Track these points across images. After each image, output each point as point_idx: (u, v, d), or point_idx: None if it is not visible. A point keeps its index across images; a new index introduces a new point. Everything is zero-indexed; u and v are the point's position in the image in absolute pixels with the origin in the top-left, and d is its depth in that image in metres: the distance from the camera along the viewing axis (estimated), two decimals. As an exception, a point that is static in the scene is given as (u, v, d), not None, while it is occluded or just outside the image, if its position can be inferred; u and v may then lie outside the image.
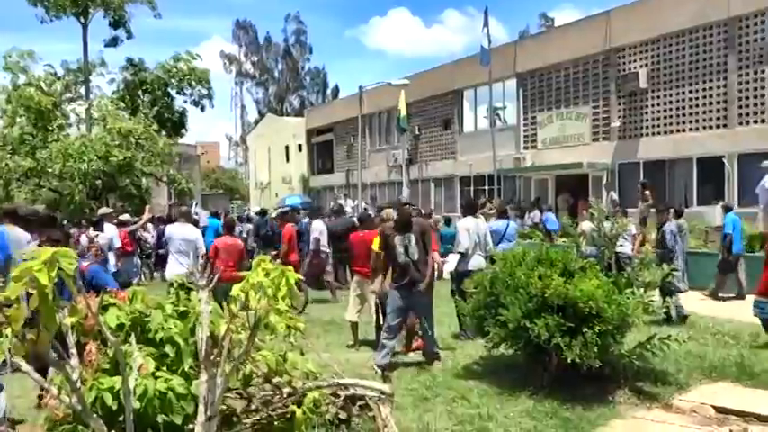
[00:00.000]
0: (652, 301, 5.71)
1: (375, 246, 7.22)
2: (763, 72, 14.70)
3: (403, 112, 23.92)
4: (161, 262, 13.13)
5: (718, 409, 5.09)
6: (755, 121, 14.92)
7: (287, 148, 40.58)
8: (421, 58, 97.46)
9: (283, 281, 3.45)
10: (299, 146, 38.68)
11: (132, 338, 3.77)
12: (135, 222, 12.86)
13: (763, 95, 14.73)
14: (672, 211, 10.14)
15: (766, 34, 14.62)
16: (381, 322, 7.57)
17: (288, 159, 40.60)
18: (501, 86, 21.93)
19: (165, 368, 3.83)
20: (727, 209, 11.32)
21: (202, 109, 22.69)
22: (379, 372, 6.29)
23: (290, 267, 3.60)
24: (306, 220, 14.78)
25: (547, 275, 5.61)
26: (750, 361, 6.26)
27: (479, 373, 6.31)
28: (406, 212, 7.17)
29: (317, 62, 79.17)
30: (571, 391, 5.47)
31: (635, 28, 17.45)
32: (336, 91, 63.95)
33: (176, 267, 8.55)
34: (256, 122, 55.97)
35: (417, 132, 26.57)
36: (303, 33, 64.47)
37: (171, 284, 6.12)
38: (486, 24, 19.89)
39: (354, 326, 8.06)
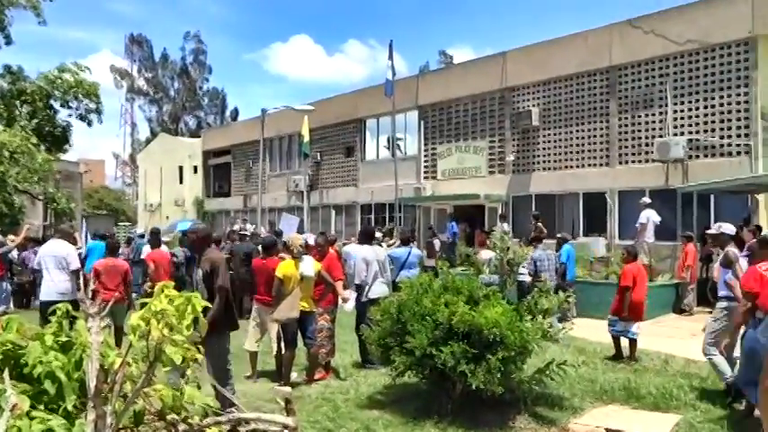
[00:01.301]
0: (550, 327, 5.92)
1: (279, 273, 7.12)
2: (639, 116, 15.97)
3: (306, 138, 23.79)
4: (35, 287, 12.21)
5: (610, 432, 5.33)
6: (633, 161, 16.14)
7: (181, 168, 39.05)
8: (323, 85, 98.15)
9: (188, 308, 3.17)
10: (195, 167, 37.37)
11: (5, 374, 3.38)
12: (5, 244, 11.87)
13: (639, 138, 15.97)
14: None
15: (642, 83, 15.95)
16: (283, 351, 7.40)
17: (181, 181, 39.05)
18: (403, 117, 22.39)
19: (42, 407, 3.45)
20: (564, 240, 12.09)
21: (89, 124, 21.37)
22: (282, 403, 6.07)
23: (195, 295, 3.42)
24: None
25: (453, 303, 5.69)
26: (636, 384, 6.64)
27: (384, 402, 6.27)
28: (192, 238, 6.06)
29: (216, 83, 77.56)
30: (474, 418, 5.54)
31: (528, 69, 18.44)
32: (236, 113, 62.81)
33: (50, 286, 8.19)
34: (148, 141, 53.63)
35: (319, 159, 26.50)
36: (203, 53, 62.93)
37: (44, 308, 5.63)
38: (390, 57, 20.33)
39: (253, 356, 7.84)
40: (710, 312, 12.28)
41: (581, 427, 5.46)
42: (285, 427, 4.53)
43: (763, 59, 13.99)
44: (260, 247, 10.09)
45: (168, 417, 3.96)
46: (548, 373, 5.79)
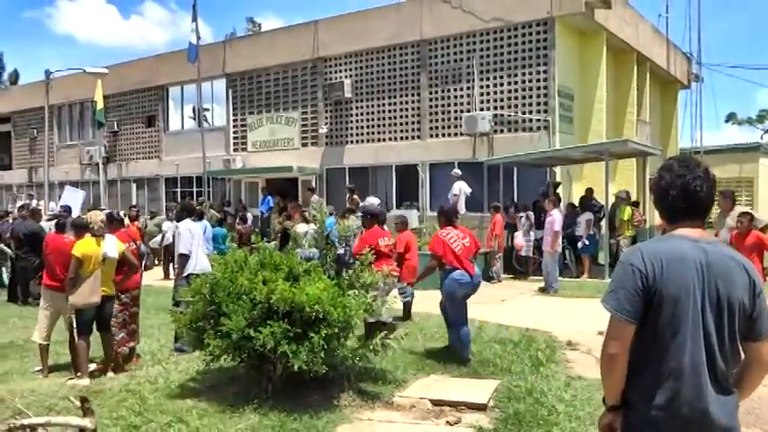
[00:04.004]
0: (373, 301, 5.77)
1: (77, 252, 6.41)
2: (448, 91, 16.62)
3: (100, 105, 21.57)
4: None
5: (434, 402, 5.33)
6: (444, 135, 16.80)
7: (-53, 138, 33.71)
8: (119, 49, 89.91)
9: None
10: (-34, 137, 32.40)
11: None
12: None
13: (449, 112, 16.64)
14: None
15: (451, 57, 16.57)
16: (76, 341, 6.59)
17: (-50, 151, 33.76)
18: (210, 86, 21.15)
19: None
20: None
21: None
22: (77, 402, 5.28)
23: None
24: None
25: (272, 280, 5.27)
26: (455, 352, 6.77)
27: (197, 390, 5.71)
28: None
29: (-11, 41, 67.31)
30: (297, 400, 5.24)
31: (340, 40, 18.30)
32: (16, 76, 55.35)
33: None
34: None
35: (116, 128, 24.23)
36: (-28, 7, 54.48)
37: None
38: (194, 19, 18.93)
39: (44, 348, 6.95)
40: (516, 279, 13.44)
41: (405, 400, 5.39)
42: (82, 429, 3.83)
43: (560, 39, 15.22)
44: (50, 226, 9.11)
45: None
46: (371, 347, 5.64)
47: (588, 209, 13.91)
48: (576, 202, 14.77)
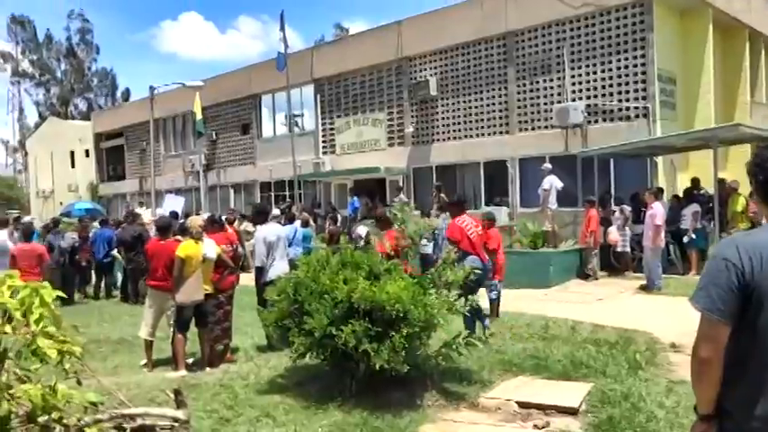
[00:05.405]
0: (456, 300, 5.61)
1: (181, 253, 6.80)
2: (537, 83, 16.06)
3: (199, 116, 22.58)
4: None
5: (521, 404, 5.11)
6: (533, 128, 16.24)
7: (72, 153, 36.87)
8: (216, 62, 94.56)
9: (36, 301, 2.86)
10: (86, 151, 35.24)
11: None
12: None
13: (538, 104, 16.07)
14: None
15: (539, 48, 16.01)
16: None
17: (73, 165, 36.98)
18: (299, 92, 21.63)
19: None
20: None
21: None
22: (172, 396, 5.51)
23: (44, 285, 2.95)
24: (96, 228, 13.73)
25: (352, 279, 5.26)
26: (545, 353, 6.49)
27: (285, 386, 5.83)
28: None
29: (105, 63, 72.49)
30: (380, 398, 5.20)
31: (424, 38, 18.14)
32: (128, 94, 59.75)
33: None
34: (37, 126, 50.16)
35: (215, 137, 25.33)
36: (89, 32, 59.32)
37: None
38: (282, 28, 19.40)
39: (149, 344, 7.34)
40: (614, 276, 12.79)
41: (491, 402, 5.19)
42: (176, 420, 3.95)
43: (660, 20, 14.28)
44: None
45: (40, 419, 3.33)
46: (455, 347, 5.49)
47: (694, 200, 13.01)
48: (681, 194, 13.84)
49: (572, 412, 4.93)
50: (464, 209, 7.70)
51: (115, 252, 13.18)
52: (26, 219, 29.16)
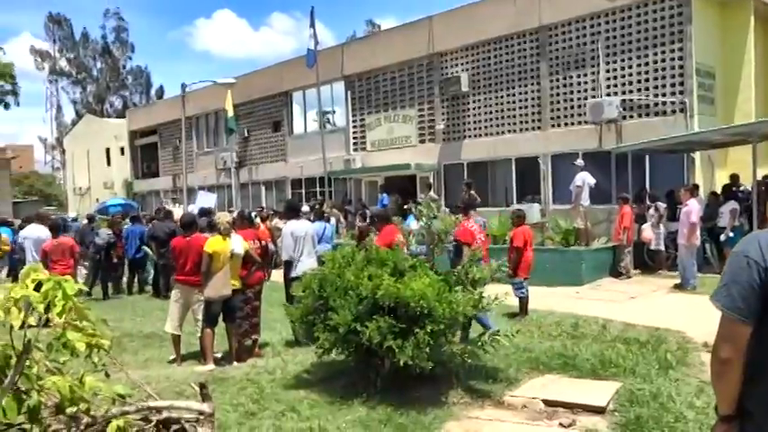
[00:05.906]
0: (482, 297, 5.56)
1: (209, 248, 6.89)
2: (571, 77, 15.81)
3: (230, 113, 22.83)
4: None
5: (548, 403, 5.05)
6: (566, 124, 16.01)
7: (108, 150, 37.73)
8: (249, 59, 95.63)
9: (59, 294, 2.87)
10: (122, 148, 35.98)
11: None
12: None
13: (571, 99, 15.82)
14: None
15: (573, 42, 15.75)
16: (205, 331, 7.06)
17: (109, 162, 37.80)
18: (329, 89, 21.67)
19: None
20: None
21: (6, 106, 19.99)
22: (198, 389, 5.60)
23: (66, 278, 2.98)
24: (128, 225, 14.12)
25: (377, 275, 5.25)
26: (573, 351, 6.39)
27: (310, 381, 5.87)
28: None
29: (140, 62, 73.95)
30: (404, 395, 5.19)
31: (455, 33, 18.00)
32: (161, 92, 60.68)
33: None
34: (74, 123, 51.43)
35: (246, 134, 25.59)
36: (124, 31, 60.39)
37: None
38: (312, 25, 19.47)
39: (176, 339, 7.44)
40: (648, 275, 12.52)
41: (517, 400, 5.14)
42: (201, 413, 4.02)
43: (698, 13, 13.91)
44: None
45: (68, 410, 3.42)
46: (480, 344, 5.44)
47: (733, 197, 12.66)
48: (719, 190, 13.48)
49: (599, 411, 4.85)
50: (469, 213, 8.03)
51: (146, 248, 13.42)
52: (68, 215, 30.14)
